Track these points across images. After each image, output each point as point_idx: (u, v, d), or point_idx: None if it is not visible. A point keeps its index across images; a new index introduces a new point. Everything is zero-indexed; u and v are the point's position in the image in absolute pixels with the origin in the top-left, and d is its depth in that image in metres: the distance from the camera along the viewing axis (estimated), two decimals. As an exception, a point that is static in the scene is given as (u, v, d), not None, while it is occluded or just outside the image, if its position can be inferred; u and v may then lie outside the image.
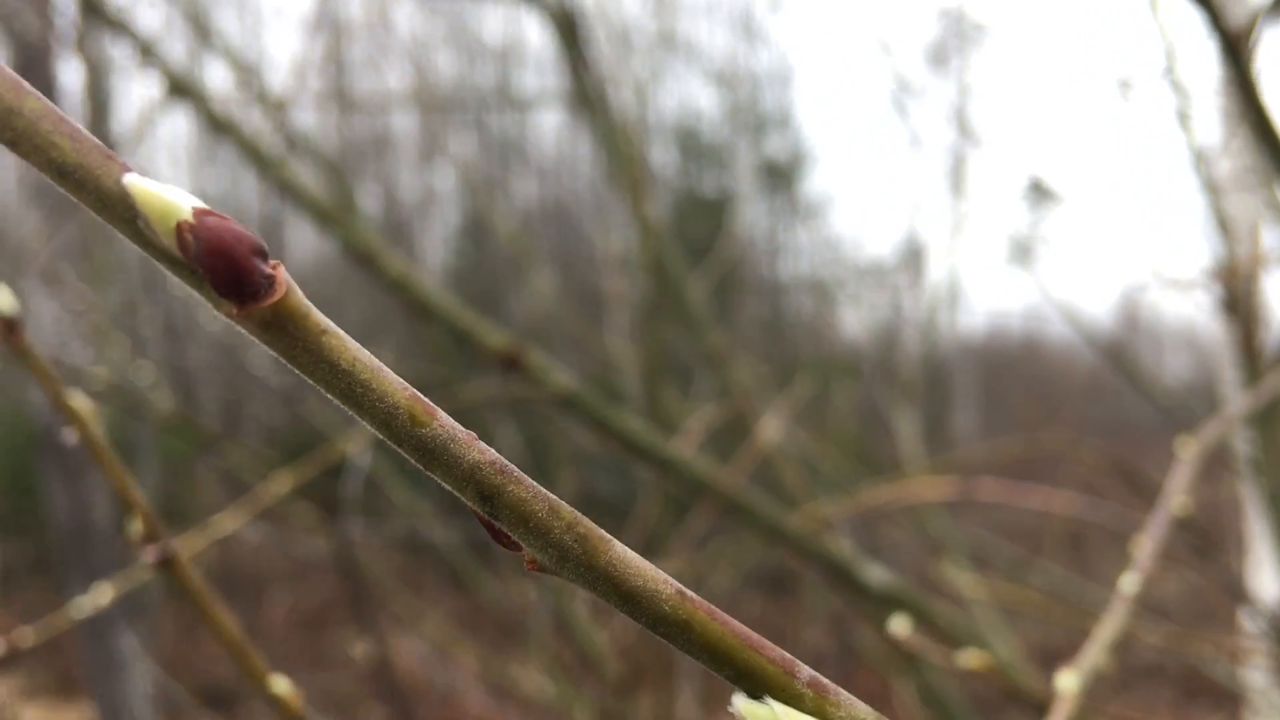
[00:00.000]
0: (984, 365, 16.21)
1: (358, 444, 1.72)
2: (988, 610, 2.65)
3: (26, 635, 0.93)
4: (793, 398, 2.19)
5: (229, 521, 1.12)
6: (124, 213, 0.19)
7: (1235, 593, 1.84)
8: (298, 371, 0.21)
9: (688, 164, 13.66)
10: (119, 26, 1.53)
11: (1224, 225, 2.08)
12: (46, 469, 5.98)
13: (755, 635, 0.23)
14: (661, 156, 13.65)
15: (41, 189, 5.69)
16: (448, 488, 0.21)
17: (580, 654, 2.20)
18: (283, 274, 0.20)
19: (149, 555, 0.57)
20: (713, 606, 0.23)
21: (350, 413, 0.21)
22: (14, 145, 0.18)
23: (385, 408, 0.21)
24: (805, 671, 0.24)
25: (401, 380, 0.21)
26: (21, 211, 5.87)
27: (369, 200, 13.53)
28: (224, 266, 0.19)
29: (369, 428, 0.21)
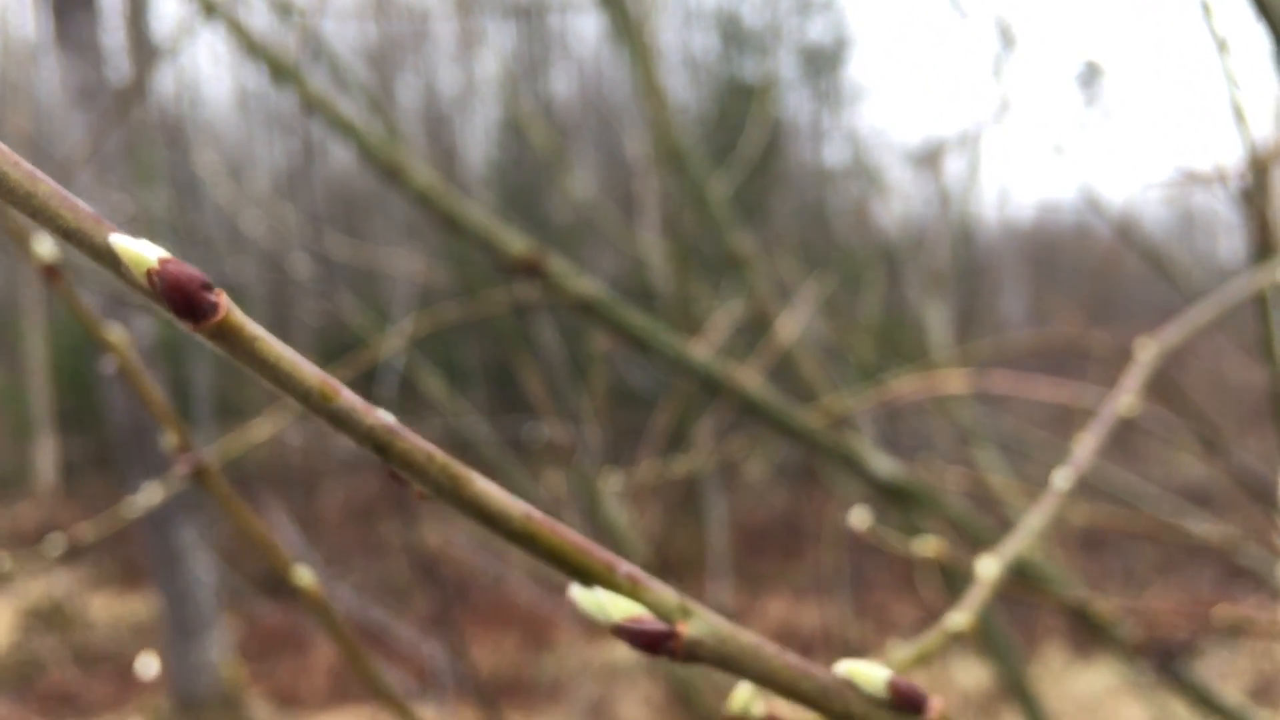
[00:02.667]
0: (1033, 252, 16.07)
1: (392, 346, 1.81)
2: (1016, 498, 2.72)
3: (86, 531, 1.03)
4: (814, 294, 2.25)
5: (267, 425, 1.20)
6: (111, 261, 0.27)
7: (1243, 481, 1.90)
8: (239, 365, 0.28)
9: (729, 49, 13.43)
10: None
11: (1242, 116, 2.10)
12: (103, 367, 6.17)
13: (585, 541, 0.31)
14: (702, 42, 13.48)
15: (88, 91, 5.76)
16: (354, 443, 0.29)
17: (612, 543, 2.30)
18: (224, 299, 0.28)
19: (182, 466, 0.65)
20: (554, 521, 0.31)
21: (280, 391, 0.28)
22: (33, 215, 0.26)
23: (303, 389, 0.29)
24: (624, 567, 0.32)
25: (314, 367, 0.29)
26: (69, 114, 5.95)
27: (409, 93, 13.49)
28: (180, 298, 0.27)
29: (293, 402, 0.28)
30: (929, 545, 0.80)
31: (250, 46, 1.50)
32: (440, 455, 0.29)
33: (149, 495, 1.11)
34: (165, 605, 6.39)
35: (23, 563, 0.98)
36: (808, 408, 1.91)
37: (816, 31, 13.85)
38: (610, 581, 0.31)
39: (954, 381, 2.16)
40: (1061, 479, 0.74)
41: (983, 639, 2.39)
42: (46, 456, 10.56)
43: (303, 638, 7.54)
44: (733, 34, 13.34)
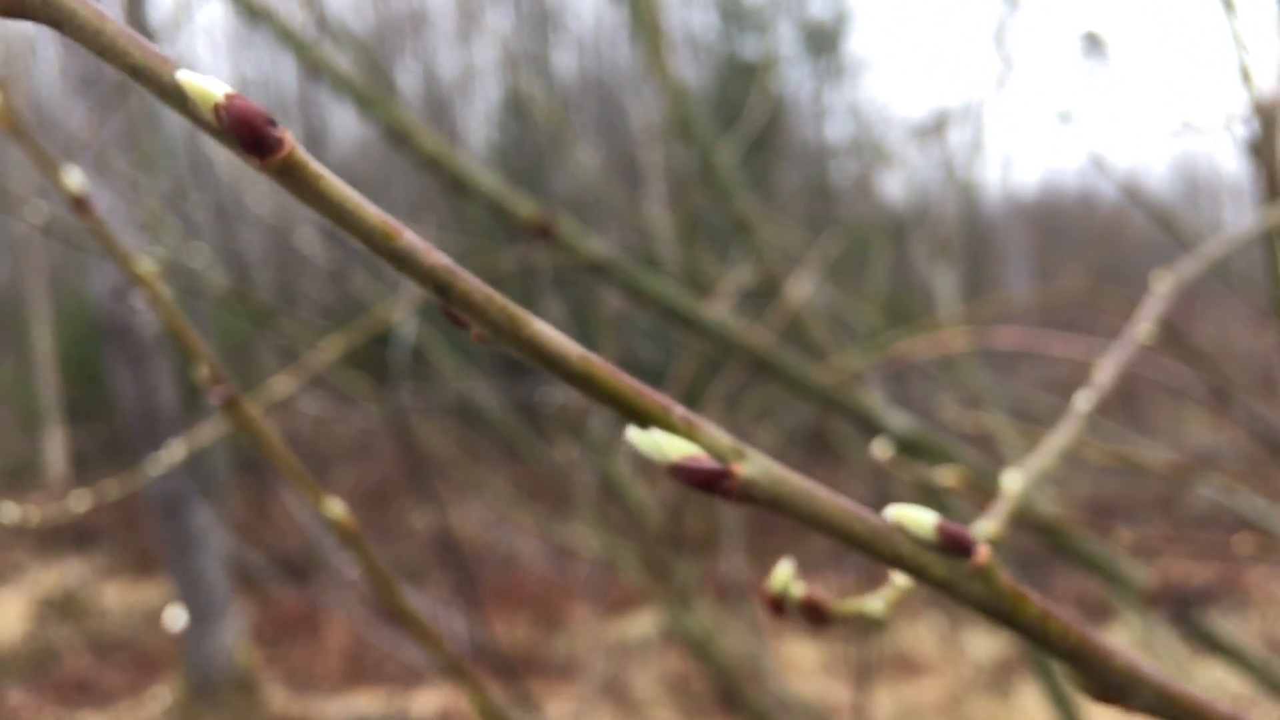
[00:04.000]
0: (1037, 223, 16.06)
1: (402, 311, 1.81)
2: (1021, 443, 2.72)
3: (111, 488, 1.04)
4: (821, 256, 2.25)
5: (283, 385, 1.21)
6: (178, 99, 0.28)
7: (1255, 430, 1.90)
8: (304, 203, 0.29)
9: (729, 27, 13.39)
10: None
11: (1247, 71, 2.10)
12: (111, 356, 6.18)
13: (640, 384, 0.32)
14: (701, 20, 13.45)
15: (87, 79, 5.76)
16: (414, 284, 0.29)
17: (626, 511, 2.31)
18: (289, 136, 0.29)
19: (215, 396, 0.66)
20: (609, 364, 0.31)
21: (343, 232, 0.29)
22: (101, 53, 0.27)
23: (367, 228, 0.29)
24: (679, 410, 0.32)
25: (377, 208, 0.29)
26: (69, 102, 5.94)
27: (408, 78, 13.48)
28: (248, 133, 0.28)
29: (359, 243, 0.29)
30: (950, 475, 0.81)
31: (253, 12, 1.50)
32: (500, 298, 0.30)
33: (174, 452, 1.12)
34: (179, 591, 6.42)
35: (48, 515, 0.99)
36: (819, 366, 1.91)
37: (817, 7, 13.81)
38: (666, 423, 0.32)
39: (961, 340, 2.17)
40: (1083, 401, 0.75)
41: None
42: (56, 447, 10.58)
43: (317, 620, 7.56)
44: (733, 11, 13.30)
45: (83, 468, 10.69)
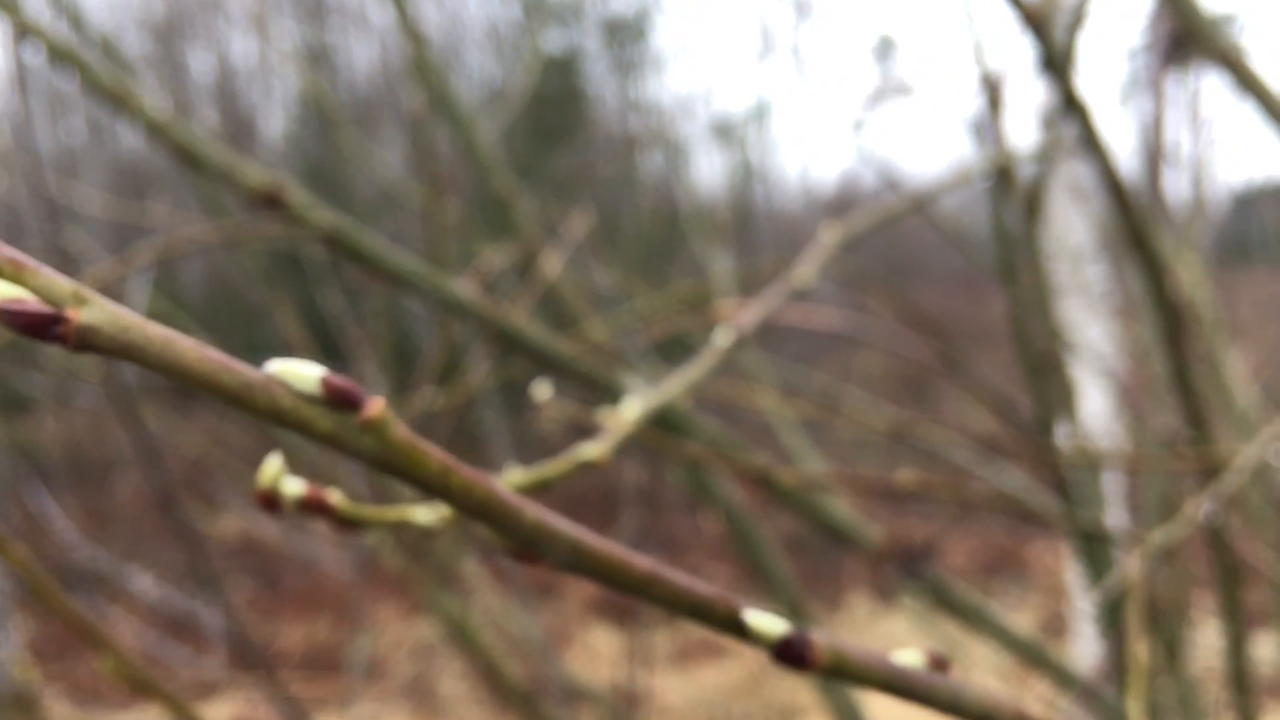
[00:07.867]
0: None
1: (122, 272, 1.73)
2: (793, 434, 2.79)
3: None
4: (575, 231, 2.26)
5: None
6: None
7: (985, 399, 1.99)
8: None
9: (532, 21, 13.39)
10: None
11: (980, 51, 2.19)
12: None
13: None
14: (505, 14, 13.40)
15: None
16: None
17: (388, 496, 2.27)
18: None
19: None
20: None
21: None
22: None
23: None
24: (8, 250, 0.30)
25: None
26: None
27: (200, 67, 13.01)
28: None
29: None
30: (607, 417, 0.81)
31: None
32: None
33: None
34: (-53, 605, 6.05)
35: None
36: (569, 338, 1.92)
37: (620, 3, 13.94)
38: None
39: (714, 314, 2.21)
40: (722, 338, 0.76)
41: (768, 592, 2.45)
42: None
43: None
44: (535, 5, 13.31)
45: None
